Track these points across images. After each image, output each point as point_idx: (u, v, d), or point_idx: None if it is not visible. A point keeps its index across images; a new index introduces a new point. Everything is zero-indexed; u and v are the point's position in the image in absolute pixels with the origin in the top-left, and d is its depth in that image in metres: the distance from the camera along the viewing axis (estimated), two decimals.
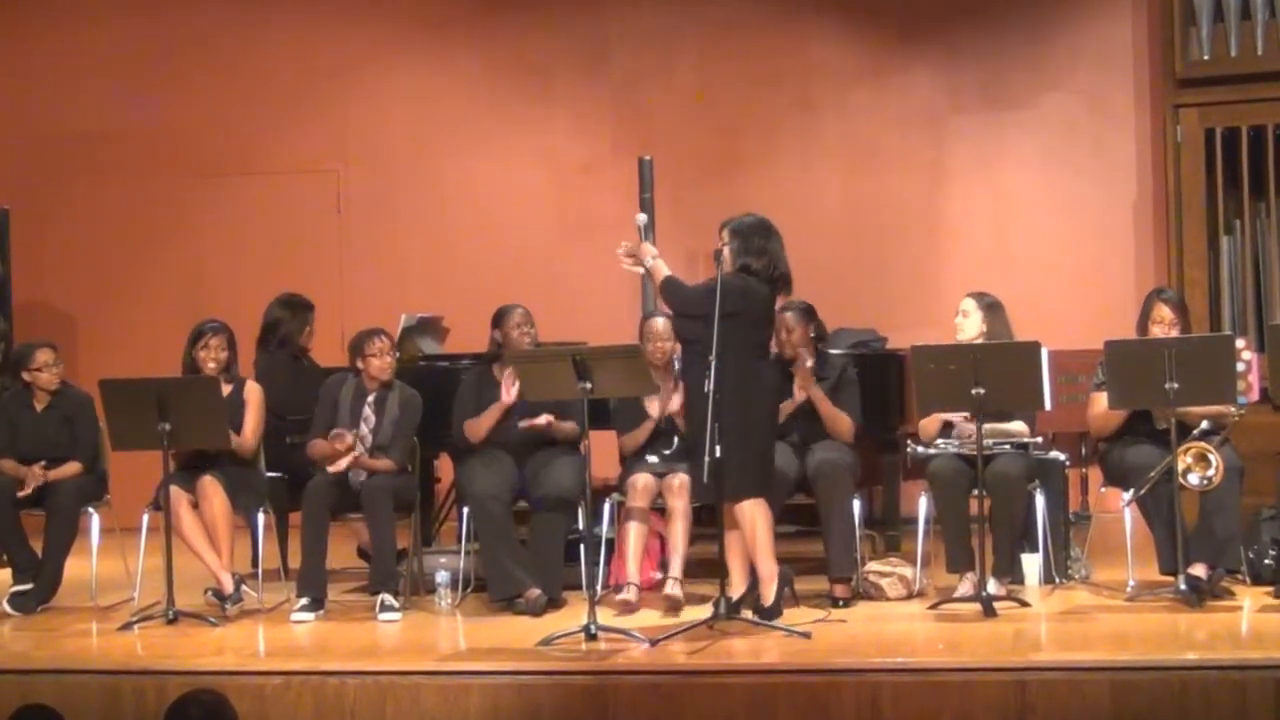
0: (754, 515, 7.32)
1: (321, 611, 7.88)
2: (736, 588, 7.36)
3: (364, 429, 8.14)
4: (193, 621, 7.66)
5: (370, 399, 8.20)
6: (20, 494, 8.24)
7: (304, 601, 7.84)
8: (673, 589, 7.79)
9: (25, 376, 8.52)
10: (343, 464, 7.99)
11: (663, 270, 7.41)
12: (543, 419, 8.14)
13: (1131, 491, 7.71)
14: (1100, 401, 7.86)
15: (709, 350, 7.04)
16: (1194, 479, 7.47)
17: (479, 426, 8.23)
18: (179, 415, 7.68)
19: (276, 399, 8.62)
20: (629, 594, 7.82)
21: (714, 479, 7.01)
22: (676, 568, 7.90)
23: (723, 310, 7.09)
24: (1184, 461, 7.45)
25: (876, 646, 6.84)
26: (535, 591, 7.75)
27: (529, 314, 8.36)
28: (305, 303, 9.29)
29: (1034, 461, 7.96)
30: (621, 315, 10.27)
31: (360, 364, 8.23)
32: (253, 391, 8.36)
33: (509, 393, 8.12)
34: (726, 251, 7.33)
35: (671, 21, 11.97)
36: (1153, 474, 7.57)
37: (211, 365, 8.24)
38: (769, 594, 7.34)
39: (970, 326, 7.99)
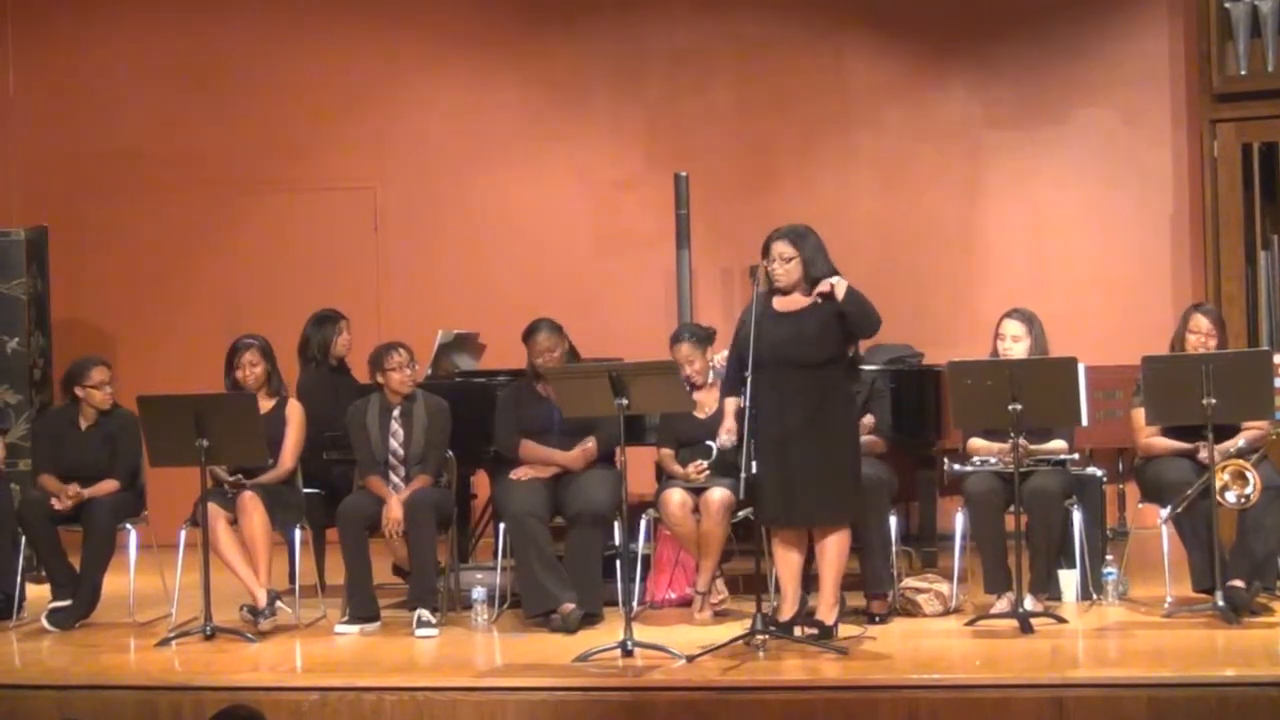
0: (844, 545, 7.28)
1: (377, 624, 7.94)
2: (789, 611, 7.28)
3: (394, 443, 8.17)
4: (230, 637, 7.70)
5: (395, 413, 8.22)
6: (56, 505, 8.26)
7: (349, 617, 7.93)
8: (705, 611, 7.95)
9: (78, 392, 8.51)
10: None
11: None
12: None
13: (1168, 510, 7.67)
14: (1143, 416, 7.82)
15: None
16: (1231, 497, 7.43)
17: (534, 455, 8.21)
18: (217, 432, 7.71)
19: (316, 414, 8.66)
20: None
21: (792, 502, 7.05)
22: (705, 582, 8.00)
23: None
24: (1221, 479, 7.41)
25: (913, 663, 6.82)
26: (569, 606, 7.74)
27: (554, 333, 8.24)
28: (329, 315, 9.33)
29: (1071, 478, 7.93)
30: (657, 331, 10.25)
31: (381, 379, 8.25)
32: (294, 410, 8.39)
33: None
34: (796, 263, 7.21)
35: (707, 37, 11.95)
36: (1189, 492, 7.52)
37: (251, 381, 8.28)
38: (831, 616, 7.28)
39: (1020, 350, 7.88)
